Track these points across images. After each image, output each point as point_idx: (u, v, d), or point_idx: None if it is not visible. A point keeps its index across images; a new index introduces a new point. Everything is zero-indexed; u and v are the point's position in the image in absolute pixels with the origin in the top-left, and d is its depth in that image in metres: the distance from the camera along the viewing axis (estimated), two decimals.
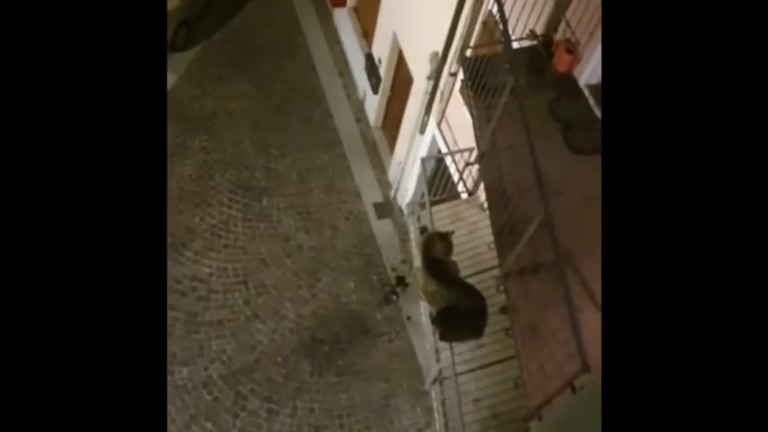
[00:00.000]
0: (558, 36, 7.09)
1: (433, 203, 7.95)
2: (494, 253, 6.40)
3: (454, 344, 6.68)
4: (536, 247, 5.49)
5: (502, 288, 6.18)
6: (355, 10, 14.35)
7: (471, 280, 6.61)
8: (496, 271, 6.42)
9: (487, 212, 6.72)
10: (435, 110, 10.01)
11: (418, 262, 6.45)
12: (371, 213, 12.44)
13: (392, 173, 12.71)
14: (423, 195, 8.04)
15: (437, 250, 6.32)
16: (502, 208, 6.03)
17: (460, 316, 6.08)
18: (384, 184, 12.87)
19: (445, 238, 6.45)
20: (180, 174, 12.16)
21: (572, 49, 6.89)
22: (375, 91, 13.17)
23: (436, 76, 9.66)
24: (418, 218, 8.13)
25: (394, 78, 12.75)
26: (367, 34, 13.79)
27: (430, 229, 7.12)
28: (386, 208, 12.53)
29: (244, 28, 14.58)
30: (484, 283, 6.80)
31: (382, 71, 12.87)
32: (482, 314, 6.08)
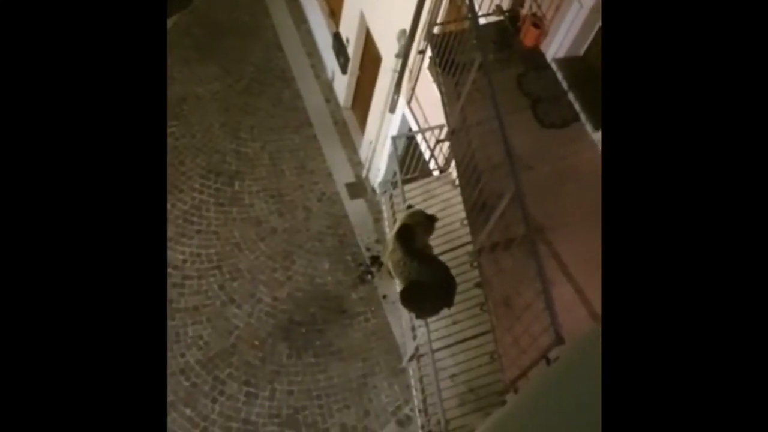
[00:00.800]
0: (524, 11, 7.09)
1: (405, 181, 7.94)
2: (467, 229, 6.41)
3: (430, 321, 6.70)
4: (508, 222, 5.51)
5: (475, 264, 6.21)
6: None
7: (445, 257, 6.63)
8: (470, 247, 6.44)
9: (459, 189, 6.72)
10: (404, 88, 9.98)
11: (392, 230, 6.44)
12: (344, 193, 12.43)
13: (363, 153, 12.69)
14: (395, 174, 8.02)
15: (417, 221, 6.36)
16: (473, 185, 6.04)
17: (422, 291, 6.08)
18: (355, 163, 12.86)
19: (430, 218, 6.52)
20: None
21: (538, 23, 6.89)
22: (344, 70, 13.10)
23: (404, 54, 9.61)
24: (391, 197, 8.11)
25: (363, 57, 12.69)
26: (334, 13, 13.70)
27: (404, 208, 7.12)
28: (359, 188, 12.52)
29: (210, 10, 14.41)
30: (458, 259, 6.81)
31: (350, 50, 12.80)
32: (446, 286, 6.07)
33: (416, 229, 6.27)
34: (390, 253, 6.29)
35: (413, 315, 6.96)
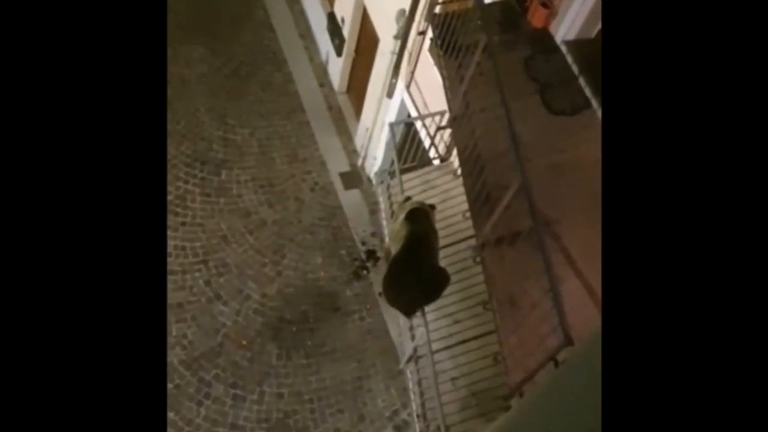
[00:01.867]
0: None
1: (404, 171, 7.95)
2: (470, 223, 6.42)
3: (430, 320, 6.71)
4: (513, 215, 5.50)
5: (478, 259, 6.20)
6: None
7: (446, 252, 6.64)
8: (472, 241, 6.45)
9: (461, 179, 6.72)
10: (403, 72, 9.96)
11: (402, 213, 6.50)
12: (338, 183, 12.41)
13: (359, 140, 12.68)
14: (392, 163, 8.02)
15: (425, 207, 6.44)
16: (476, 175, 6.03)
17: (401, 279, 6.13)
18: (351, 152, 12.84)
19: (430, 208, 6.61)
20: None
21: (548, 3, 6.85)
22: (339, 53, 13.06)
23: (403, 35, 9.59)
24: (388, 187, 8.09)
25: (359, 38, 12.65)
26: None
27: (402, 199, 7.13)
28: (354, 178, 12.51)
29: None
30: (460, 254, 6.83)
31: (345, 31, 12.76)
32: (430, 281, 6.12)
33: (428, 213, 6.31)
34: (396, 233, 6.34)
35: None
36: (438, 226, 6.74)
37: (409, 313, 6.71)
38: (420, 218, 6.31)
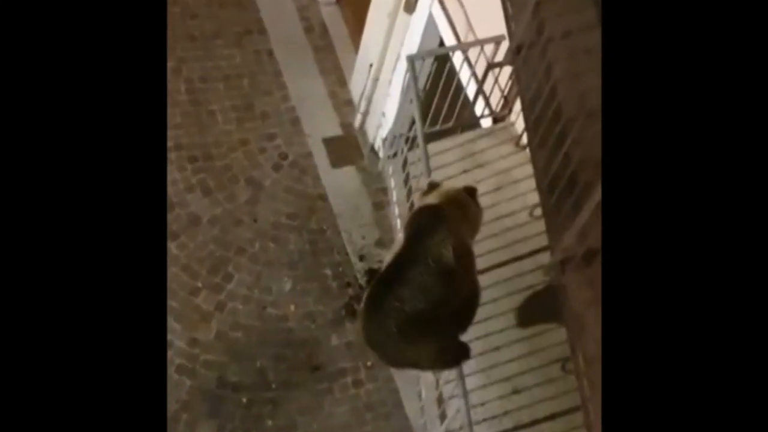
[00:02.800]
0: None
1: (431, 137, 7.99)
2: (541, 225, 6.49)
3: (471, 389, 6.78)
4: None
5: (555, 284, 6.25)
6: None
7: (501, 273, 6.76)
8: (545, 257, 6.54)
9: (528, 151, 6.81)
10: None
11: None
12: (321, 156, 12.51)
13: (357, 84, 12.78)
14: (413, 123, 8.07)
15: (459, 203, 6.45)
16: (554, 145, 6.08)
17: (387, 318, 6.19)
18: (343, 104, 12.97)
19: (470, 191, 6.59)
20: None
21: None
22: None
23: None
24: (405, 163, 8.15)
25: None
26: None
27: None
28: (347, 148, 12.63)
29: None
30: (525, 279, 6.95)
31: None
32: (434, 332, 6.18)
33: (449, 218, 6.28)
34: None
35: (440, 373, 7.13)
36: (488, 229, 6.81)
37: (395, 365, 6.92)
38: (431, 227, 6.26)
